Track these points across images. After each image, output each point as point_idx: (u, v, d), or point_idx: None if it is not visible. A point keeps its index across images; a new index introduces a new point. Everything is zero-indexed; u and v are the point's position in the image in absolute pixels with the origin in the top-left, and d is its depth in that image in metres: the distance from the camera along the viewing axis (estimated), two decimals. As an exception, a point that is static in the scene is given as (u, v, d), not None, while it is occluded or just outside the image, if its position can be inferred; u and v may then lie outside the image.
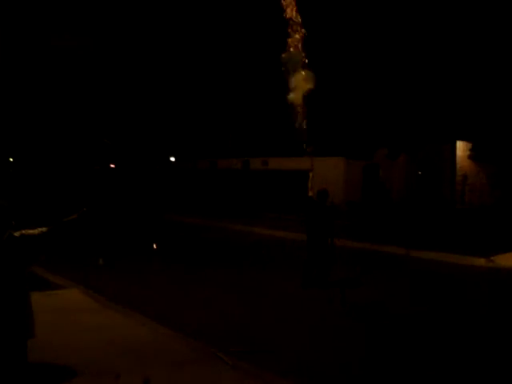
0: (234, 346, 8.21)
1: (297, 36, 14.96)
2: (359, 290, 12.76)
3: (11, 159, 51.90)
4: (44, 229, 4.33)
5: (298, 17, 15.07)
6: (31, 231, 4.29)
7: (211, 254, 18.70)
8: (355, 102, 36.57)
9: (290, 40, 14.98)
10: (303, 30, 15.05)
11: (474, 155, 34.01)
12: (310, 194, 14.25)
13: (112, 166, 49.62)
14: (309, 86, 15.10)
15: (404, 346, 8.89)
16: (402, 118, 35.14)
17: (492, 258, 17.00)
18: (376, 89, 35.75)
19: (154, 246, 20.54)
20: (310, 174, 15.30)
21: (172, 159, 47.79)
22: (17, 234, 4.22)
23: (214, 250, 19.55)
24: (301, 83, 14.94)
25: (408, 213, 30.24)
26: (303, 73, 15.00)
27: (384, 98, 35.69)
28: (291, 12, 15.06)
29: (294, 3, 14.99)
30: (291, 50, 14.99)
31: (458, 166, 33.58)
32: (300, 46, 14.95)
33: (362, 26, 35.86)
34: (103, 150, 49.17)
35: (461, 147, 33.76)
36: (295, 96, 15.02)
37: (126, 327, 9.08)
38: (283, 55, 15.12)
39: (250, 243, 21.76)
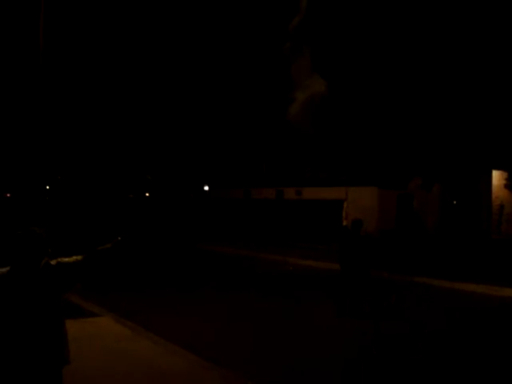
0: (268, 376, 8.18)
1: None
2: (393, 322, 12.62)
3: (48, 187, 52.65)
4: (79, 257, 4.40)
5: None
6: (67, 259, 4.37)
7: (245, 283, 18.68)
8: (389, 130, 36.48)
9: None
10: None
11: (510, 185, 33.61)
12: (345, 223, 14.24)
13: (146, 194, 50.09)
14: None
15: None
16: (436, 147, 34.92)
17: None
18: (411, 118, 35.64)
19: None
20: (345, 204, 15.29)
21: (206, 188, 48.05)
22: (53, 262, 4.30)
23: (248, 280, 19.53)
24: None
25: (443, 243, 29.88)
26: None
27: (419, 126, 35.53)
28: None
29: None
30: None
31: (493, 195, 33.20)
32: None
33: (396, 51, 35.90)
34: (142, 184, 49.76)
35: (496, 176, 33.40)
36: None
37: (157, 355, 9.11)
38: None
39: (283, 273, 21.70)
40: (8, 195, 59.16)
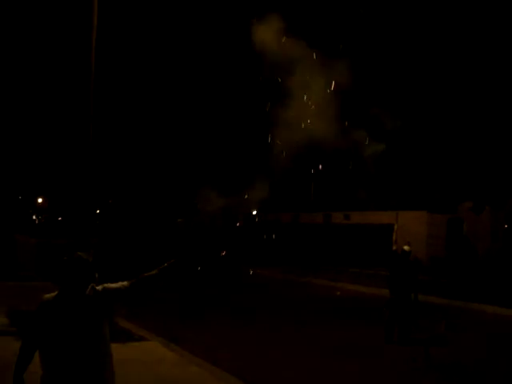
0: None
1: None
2: (444, 349, 12.34)
3: (98, 211, 53.53)
4: (126, 283, 4.41)
5: None
6: (113, 285, 4.38)
7: (294, 308, 18.56)
8: (440, 154, 36.11)
9: None
10: None
11: None
12: (394, 247, 14.09)
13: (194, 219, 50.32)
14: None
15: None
16: (486, 170, 34.39)
17: None
18: (462, 141, 35.25)
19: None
20: (395, 227, 15.15)
21: (254, 212, 48.07)
22: (99, 287, 4.32)
23: (296, 305, 19.40)
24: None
25: (494, 268, 29.24)
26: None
27: (469, 150, 35.10)
28: None
29: None
30: None
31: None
32: None
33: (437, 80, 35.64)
34: (191, 208, 50.04)
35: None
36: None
37: (205, 381, 9.08)
38: None
39: (333, 298, 21.50)
40: (60, 219, 60.32)
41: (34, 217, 66.59)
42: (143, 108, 50.73)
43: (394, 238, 14.06)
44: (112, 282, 4.44)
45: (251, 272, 29.66)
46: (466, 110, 35.00)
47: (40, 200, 65.86)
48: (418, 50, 36.13)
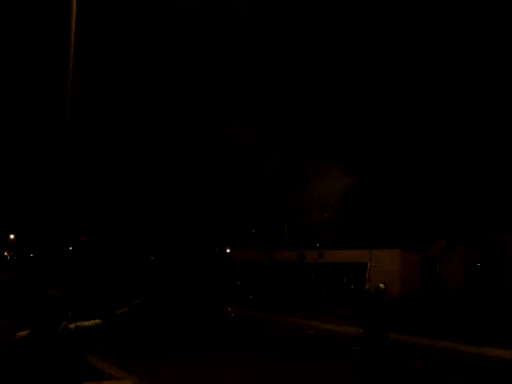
0: None
1: None
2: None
3: (70, 248, 53.07)
4: (98, 321, 4.40)
5: None
6: (85, 323, 4.36)
7: (266, 347, 18.47)
8: (412, 193, 36.47)
9: None
10: None
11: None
12: (367, 286, 14.17)
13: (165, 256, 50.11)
14: None
15: None
16: (458, 208, 34.79)
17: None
18: (434, 179, 35.67)
19: None
20: (368, 265, 15.26)
21: (228, 250, 48.05)
22: (72, 325, 4.30)
23: (269, 344, 19.31)
24: None
25: (467, 306, 29.40)
26: None
27: (441, 188, 35.51)
28: None
29: None
30: None
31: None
32: None
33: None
34: (163, 245, 49.88)
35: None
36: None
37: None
38: None
39: (305, 336, 21.45)
40: (31, 255, 59.61)
41: (5, 253, 65.72)
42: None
43: (367, 276, 14.12)
44: (84, 321, 4.42)
45: (231, 312, 29.49)
46: (438, 147, 35.49)
47: (12, 236, 65.18)
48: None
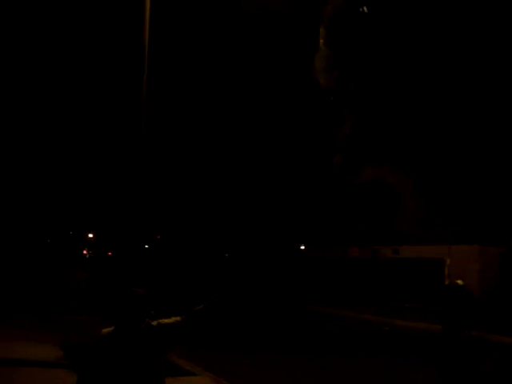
0: None
1: None
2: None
3: (147, 246, 54.08)
4: (178, 318, 4.46)
5: None
6: (167, 320, 4.44)
7: (341, 345, 18.35)
8: (491, 185, 35.53)
9: None
10: None
11: None
12: (447, 282, 13.88)
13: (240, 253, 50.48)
14: None
15: None
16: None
17: None
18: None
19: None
20: (447, 261, 14.88)
21: (302, 247, 48.02)
22: (154, 322, 4.38)
23: (343, 342, 19.18)
24: None
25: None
26: None
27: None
28: None
29: None
30: None
31: None
32: None
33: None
34: (237, 243, 50.24)
35: None
36: None
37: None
38: None
39: (380, 333, 21.20)
40: (109, 253, 61.11)
41: (84, 251, 67.63)
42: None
43: (446, 272, 13.84)
44: (165, 318, 4.50)
45: (306, 309, 29.40)
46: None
47: (90, 235, 67.03)
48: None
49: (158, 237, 59.93)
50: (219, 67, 48.08)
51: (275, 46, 43.66)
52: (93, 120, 50.02)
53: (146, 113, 10.50)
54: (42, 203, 55.44)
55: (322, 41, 43.15)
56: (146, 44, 10.59)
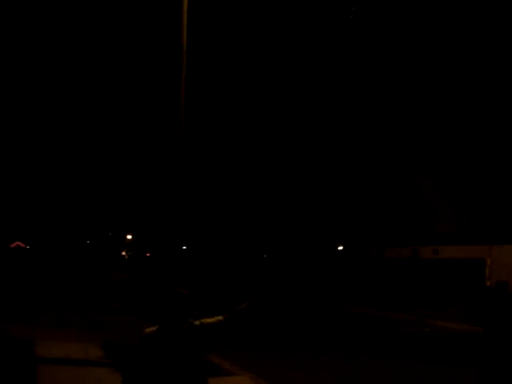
0: None
1: None
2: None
3: (184, 247, 54.38)
4: (220, 317, 4.51)
5: None
6: (209, 320, 4.50)
7: (380, 345, 18.25)
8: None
9: None
10: None
11: None
12: (488, 283, 13.66)
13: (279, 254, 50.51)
14: None
15: None
16: None
17: None
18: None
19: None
20: (488, 261, 14.65)
21: (340, 247, 47.87)
22: (197, 322, 4.44)
23: (383, 341, 19.07)
24: None
25: None
26: None
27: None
28: None
29: None
30: None
31: None
32: None
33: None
34: (276, 243, 50.28)
35: None
36: None
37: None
38: None
39: (420, 334, 21.03)
40: (147, 255, 61.70)
41: (123, 253, 68.39)
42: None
43: (486, 272, 13.63)
44: (208, 318, 4.55)
45: (345, 310, 29.33)
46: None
47: (129, 237, 67.77)
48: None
49: (195, 238, 60.29)
50: (253, 67, 48.23)
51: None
52: (131, 123, 50.54)
53: (184, 117, 10.61)
54: (82, 206, 56.25)
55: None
56: (184, 43, 10.71)
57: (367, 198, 45.62)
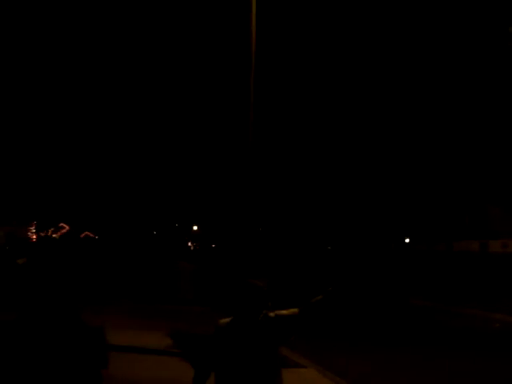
0: None
1: None
2: None
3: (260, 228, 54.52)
4: (295, 310, 4.51)
5: None
6: (285, 312, 4.51)
7: (449, 340, 17.93)
8: None
9: None
10: None
11: None
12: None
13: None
14: None
15: None
16: None
17: None
18: None
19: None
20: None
21: (407, 240, 47.31)
22: (271, 314, 4.47)
23: (452, 336, 18.72)
24: None
25: None
26: None
27: None
28: None
29: None
30: None
31: None
32: None
33: None
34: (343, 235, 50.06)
35: None
36: None
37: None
38: None
39: (489, 330, 20.58)
40: (213, 246, 62.29)
41: (189, 244, 69.22)
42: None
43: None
44: (282, 309, 4.56)
45: (411, 304, 28.96)
46: None
47: (195, 228, 68.53)
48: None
49: (260, 229, 60.41)
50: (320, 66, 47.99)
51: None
52: (202, 118, 51.08)
53: (253, 115, 10.68)
54: (149, 197, 57.25)
55: None
56: (253, 42, 10.78)
57: (434, 191, 44.89)
